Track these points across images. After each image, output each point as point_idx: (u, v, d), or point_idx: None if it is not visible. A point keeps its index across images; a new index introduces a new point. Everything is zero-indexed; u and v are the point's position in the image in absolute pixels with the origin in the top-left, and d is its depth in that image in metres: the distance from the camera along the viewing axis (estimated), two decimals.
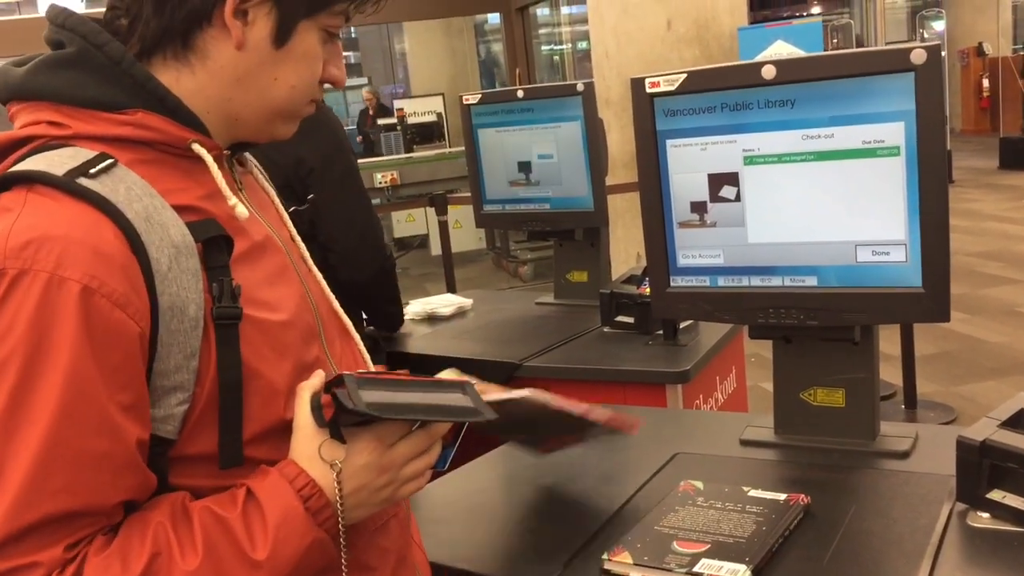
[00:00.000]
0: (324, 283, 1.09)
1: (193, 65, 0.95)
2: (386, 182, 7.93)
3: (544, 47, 12.99)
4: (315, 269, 1.09)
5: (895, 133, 1.41)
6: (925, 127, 1.39)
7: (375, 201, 5.88)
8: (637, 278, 2.46)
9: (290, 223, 1.09)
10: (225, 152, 1.01)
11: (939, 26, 13.58)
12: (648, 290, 2.31)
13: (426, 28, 12.74)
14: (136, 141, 0.92)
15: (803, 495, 1.37)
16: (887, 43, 11.62)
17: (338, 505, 0.91)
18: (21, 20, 11.99)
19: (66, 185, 0.85)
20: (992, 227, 8.01)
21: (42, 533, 0.80)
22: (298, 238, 1.09)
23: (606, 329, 2.47)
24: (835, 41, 11.26)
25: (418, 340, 2.63)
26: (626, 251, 5.51)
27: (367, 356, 1.12)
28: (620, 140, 5.31)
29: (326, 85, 1.03)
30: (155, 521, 0.86)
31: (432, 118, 10.78)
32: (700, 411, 2.27)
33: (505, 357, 2.33)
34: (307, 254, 1.10)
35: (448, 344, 2.58)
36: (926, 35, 13.46)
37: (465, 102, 2.81)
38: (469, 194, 2.96)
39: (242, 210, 0.96)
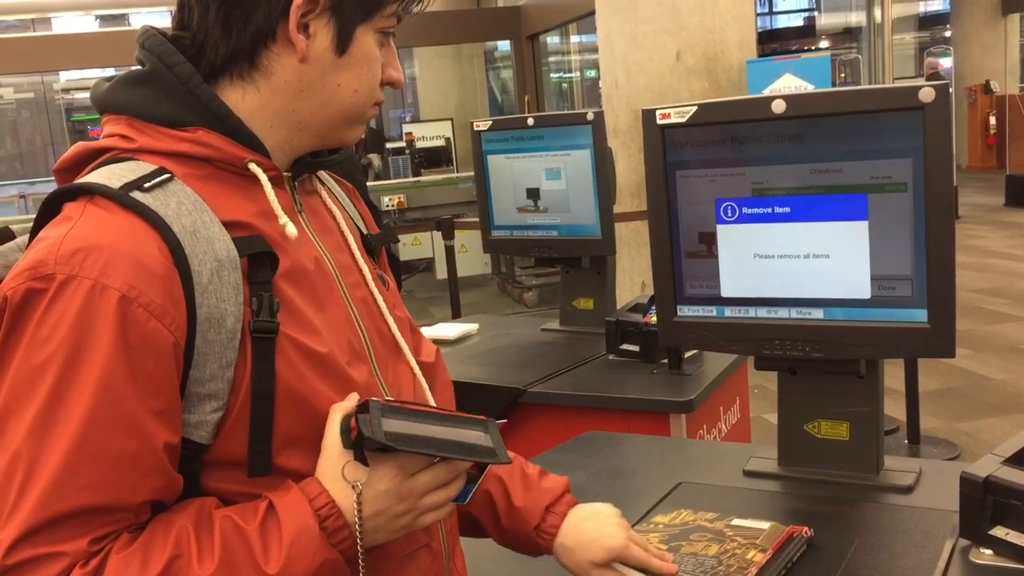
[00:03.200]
0: (385, 309, 1.10)
1: (258, 82, 0.99)
2: (393, 205, 7.97)
3: (553, 75, 13.08)
4: (377, 295, 1.10)
5: (903, 169, 1.43)
6: (933, 164, 1.40)
7: None
8: (643, 306, 2.47)
9: (355, 247, 1.10)
10: (286, 174, 1.04)
11: (947, 63, 13.65)
12: (654, 319, 2.32)
13: (436, 54, 12.83)
14: (194, 157, 0.96)
15: (806, 527, 1.37)
16: (895, 79, 11.67)
17: (356, 528, 0.92)
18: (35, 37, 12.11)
19: (120, 198, 0.90)
20: (997, 264, 8.01)
21: (69, 525, 0.84)
22: (363, 263, 1.10)
23: (611, 357, 2.48)
24: (843, 76, 11.32)
25: None
26: (630, 279, 5.52)
27: (423, 381, 1.13)
28: (627, 169, 5.34)
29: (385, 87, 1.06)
30: (179, 524, 0.88)
31: (440, 143, 10.84)
32: (704, 441, 2.28)
33: (510, 382, 2.34)
34: (370, 279, 1.10)
35: (454, 368, 2.56)
36: (933, 71, 13.53)
37: (476, 128, 2.84)
38: (475, 219, 2.98)
39: (291, 230, 0.97)
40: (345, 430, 0.93)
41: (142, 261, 0.87)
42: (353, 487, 0.93)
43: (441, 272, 7.26)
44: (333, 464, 0.94)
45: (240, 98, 0.99)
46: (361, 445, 0.92)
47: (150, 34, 1.00)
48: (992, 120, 13.96)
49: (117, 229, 0.88)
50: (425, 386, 1.13)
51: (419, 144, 10.73)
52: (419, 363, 1.15)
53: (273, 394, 0.92)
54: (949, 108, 1.40)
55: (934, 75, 11.54)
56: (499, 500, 1.23)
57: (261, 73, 0.98)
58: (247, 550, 0.88)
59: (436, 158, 10.67)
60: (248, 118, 0.99)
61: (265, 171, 0.98)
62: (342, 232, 1.11)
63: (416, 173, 10.32)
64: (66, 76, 16.89)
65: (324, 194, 1.13)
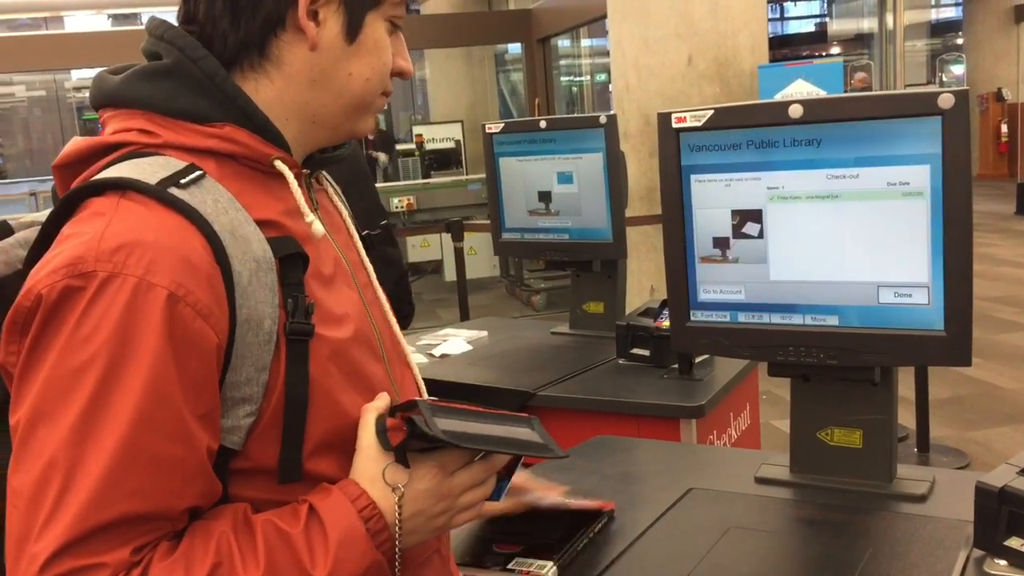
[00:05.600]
0: (388, 309, 1.09)
1: (270, 73, 0.97)
2: (403, 207, 7.97)
3: (564, 78, 13.07)
4: (381, 294, 1.09)
5: (920, 176, 1.42)
6: (951, 171, 1.39)
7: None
8: (654, 311, 2.46)
9: (360, 246, 1.10)
10: (304, 171, 1.03)
11: (958, 70, 13.61)
12: (665, 323, 2.31)
13: (447, 56, 12.85)
14: (222, 154, 0.94)
15: (610, 502, 1.52)
16: (907, 86, 11.64)
17: (396, 529, 0.92)
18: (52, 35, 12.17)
19: (158, 194, 0.87)
20: (1008, 272, 7.97)
21: (111, 535, 0.81)
22: (367, 262, 1.09)
23: (621, 361, 2.47)
24: (854, 82, 11.28)
25: (432, 367, 2.63)
26: (640, 284, 5.51)
27: (422, 385, 1.13)
28: (637, 173, 5.33)
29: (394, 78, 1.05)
30: (218, 531, 0.86)
31: (450, 145, 10.84)
32: (714, 447, 2.27)
33: (519, 385, 2.33)
34: (375, 279, 1.09)
35: (463, 371, 2.58)
36: (945, 79, 13.48)
37: (488, 130, 2.83)
38: (485, 221, 2.97)
39: (318, 228, 0.97)
40: (382, 431, 0.93)
41: (188, 258, 0.84)
42: (394, 489, 0.92)
43: (450, 274, 7.26)
44: (371, 465, 0.93)
45: (255, 91, 0.97)
46: (404, 447, 0.92)
47: (168, 26, 0.97)
48: (1004, 128, 13.91)
49: (159, 225, 0.85)
50: (424, 390, 1.13)
51: (429, 146, 10.75)
52: None
53: (307, 398, 0.91)
54: (968, 115, 1.39)
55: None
56: None
57: (272, 63, 0.96)
58: (292, 554, 0.86)
59: (446, 160, 10.68)
60: (265, 111, 0.97)
61: (290, 169, 0.97)
62: (348, 230, 1.10)
63: (426, 175, 10.34)
64: (77, 75, 16.96)
65: (330, 192, 1.12)
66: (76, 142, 0.95)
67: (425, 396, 1.13)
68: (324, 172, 1.12)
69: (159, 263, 0.83)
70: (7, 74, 14.87)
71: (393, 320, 1.10)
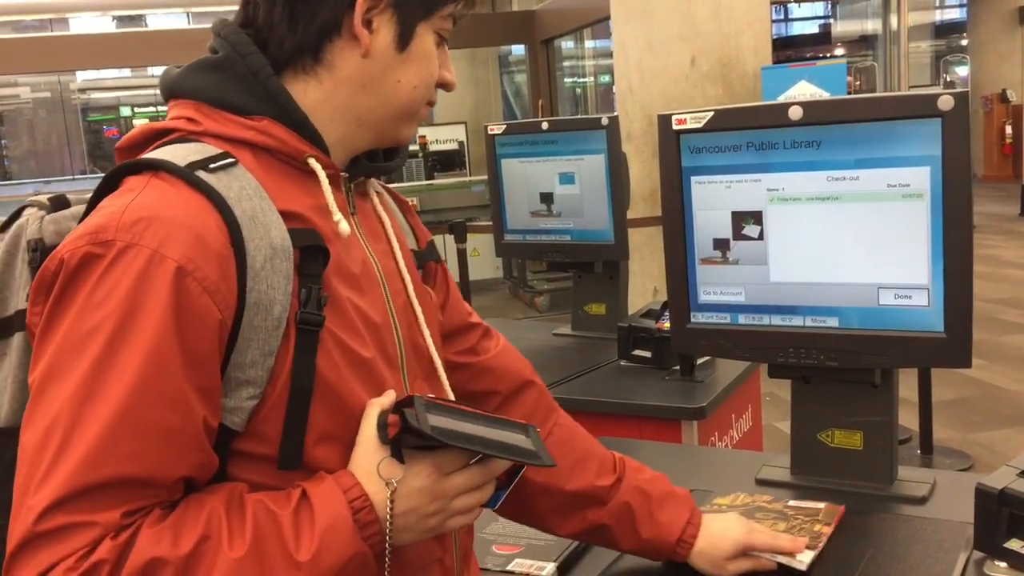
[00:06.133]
0: (423, 320, 1.10)
1: (320, 76, 1.01)
2: None
3: (567, 79, 13.07)
4: (417, 307, 1.10)
5: (920, 178, 1.42)
6: (951, 173, 1.39)
7: None
8: (655, 312, 2.46)
9: (400, 257, 1.11)
10: (343, 174, 1.05)
11: (963, 71, 13.59)
12: (666, 325, 2.31)
13: (451, 57, 12.83)
14: (257, 146, 0.98)
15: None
16: (911, 87, 11.62)
17: (387, 524, 0.93)
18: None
19: (185, 174, 0.91)
20: (1012, 274, 7.96)
21: (103, 495, 0.83)
22: (406, 274, 1.10)
23: (623, 362, 2.47)
24: (858, 83, 11.28)
25: None
26: (642, 285, 5.50)
27: (452, 396, 1.13)
28: (640, 175, 5.32)
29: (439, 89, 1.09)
30: (211, 505, 0.88)
31: (454, 146, 10.85)
32: (715, 448, 2.27)
33: None
34: (411, 291, 1.10)
35: None
36: (949, 80, 13.48)
37: (490, 132, 2.84)
38: (488, 222, 2.98)
39: (344, 227, 0.99)
40: (382, 425, 0.94)
41: (202, 236, 0.88)
42: (387, 484, 0.93)
43: (453, 275, 7.26)
44: (368, 459, 0.94)
45: (303, 92, 1.01)
46: (399, 442, 0.92)
47: (226, 24, 1.02)
48: (1008, 129, 13.89)
49: (180, 203, 0.89)
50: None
51: (432, 147, 10.75)
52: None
53: (311, 387, 0.93)
54: (968, 116, 1.39)
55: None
56: (639, 512, 1.27)
57: (324, 67, 1.00)
58: (278, 535, 0.88)
59: (449, 161, 10.69)
60: (310, 112, 1.00)
61: (324, 168, 1.00)
62: (389, 239, 1.11)
63: (429, 176, 10.34)
64: (82, 76, 16.99)
65: (376, 201, 1.13)
66: (138, 128, 1.02)
67: None
68: (380, 184, 1.15)
69: (173, 237, 0.86)
70: (12, 75, 14.90)
71: (428, 335, 1.11)
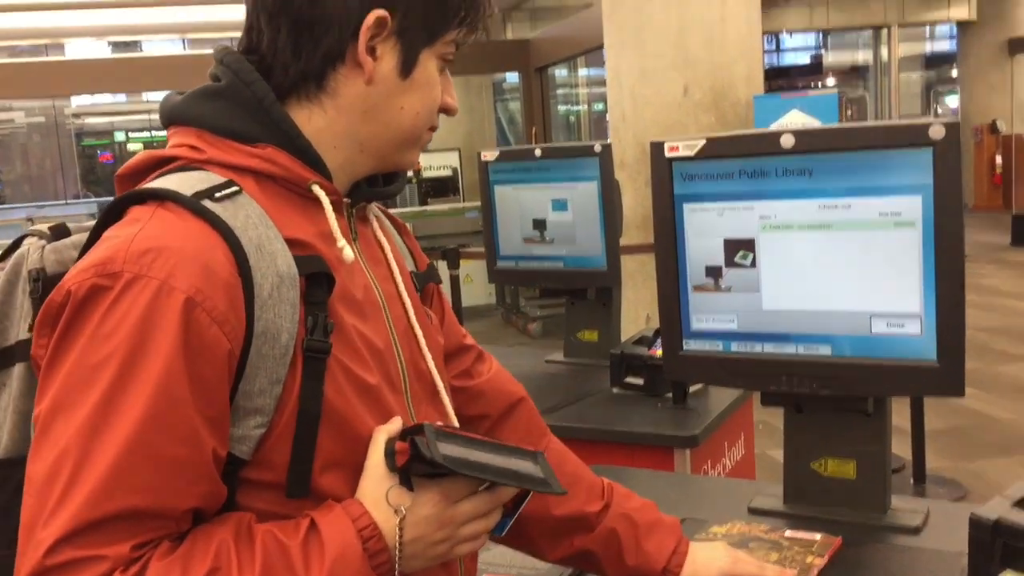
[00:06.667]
0: (424, 344, 1.10)
1: (324, 103, 1.01)
2: None
3: (561, 107, 13.15)
4: (418, 331, 1.10)
5: (912, 206, 1.42)
6: (942, 202, 1.40)
7: None
8: (648, 339, 2.46)
9: (400, 281, 1.11)
10: (345, 200, 1.05)
11: (953, 102, 13.70)
12: (659, 352, 2.30)
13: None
14: (261, 173, 0.98)
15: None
16: (901, 117, 11.72)
17: (396, 552, 0.92)
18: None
19: (191, 204, 0.91)
20: (1004, 303, 7.99)
21: (113, 528, 0.82)
22: (407, 297, 1.10)
23: (615, 390, 2.46)
24: (849, 113, 11.37)
25: None
26: (635, 312, 5.50)
27: (454, 420, 1.13)
28: (633, 202, 5.33)
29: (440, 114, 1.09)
30: (219, 536, 0.87)
31: (447, 173, 10.88)
32: (708, 477, 2.25)
33: None
34: (412, 315, 1.10)
35: None
36: (940, 110, 13.58)
37: (483, 158, 2.84)
38: (481, 249, 2.98)
39: (348, 253, 0.99)
40: (390, 453, 0.93)
41: (210, 267, 0.88)
42: (396, 511, 0.92)
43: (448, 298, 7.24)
44: (376, 487, 0.94)
45: (307, 119, 1.01)
46: (408, 469, 0.92)
47: (229, 51, 1.02)
48: (999, 159, 13.99)
49: (187, 234, 0.89)
50: (457, 425, 1.12)
51: (426, 173, 10.78)
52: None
53: (319, 414, 0.93)
54: (959, 146, 1.39)
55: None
56: (626, 539, 1.26)
57: (327, 94, 1.00)
58: (288, 566, 0.87)
59: (443, 188, 10.71)
60: (313, 138, 1.00)
61: (327, 194, 1.00)
62: (389, 263, 1.11)
63: (423, 202, 10.36)
64: (77, 101, 17.03)
65: (376, 225, 1.13)
66: (139, 155, 1.01)
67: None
68: (378, 207, 1.15)
69: (181, 268, 0.86)
70: (7, 100, 14.93)
71: (431, 359, 1.11)
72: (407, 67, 1.02)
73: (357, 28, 0.98)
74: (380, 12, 0.98)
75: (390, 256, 1.12)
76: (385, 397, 1.00)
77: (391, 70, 1.01)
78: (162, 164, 0.99)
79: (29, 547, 0.82)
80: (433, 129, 1.09)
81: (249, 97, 0.98)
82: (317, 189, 0.99)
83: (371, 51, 0.99)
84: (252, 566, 0.86)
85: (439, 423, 0.98)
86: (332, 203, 1.00)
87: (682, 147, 1.58)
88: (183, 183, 0.93)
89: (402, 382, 1.06)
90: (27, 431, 0.89)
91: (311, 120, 1.01)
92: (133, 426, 0.83)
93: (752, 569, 1.28)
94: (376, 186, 1.11)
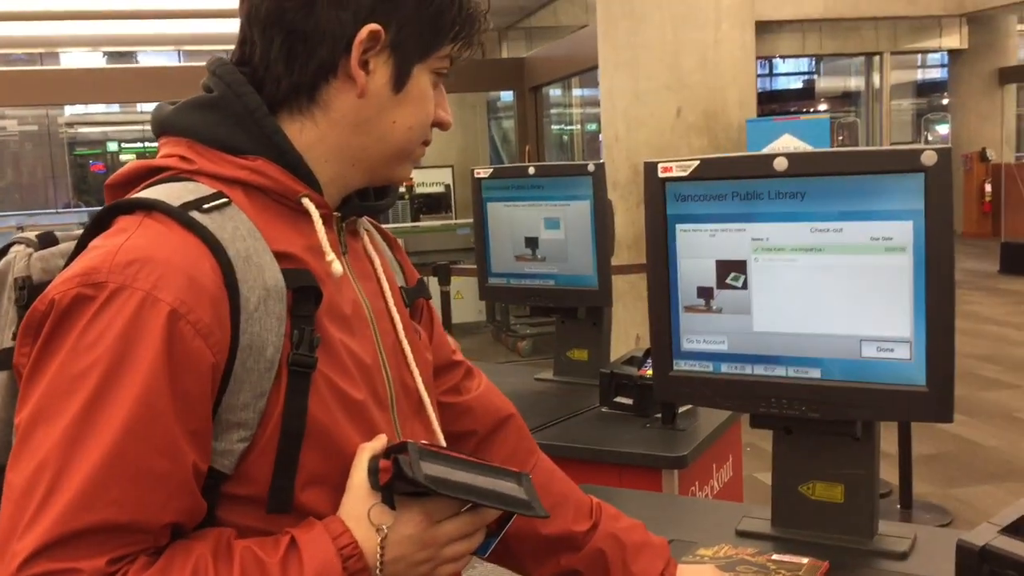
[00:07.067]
0: (412, 360, 1.09)
1: (316, 116, 1.01)
2: None
3: (554, 126, 13.20)
4: (406, 346, 1.09)
5: (903, 232, 1.43)
6: (933, 227, 1.40)
7: None
8: (638, 359, 2.46)
9: (390, 296, 1.10)
10: (335, 214, 1.04)
11: (943, 130, 13.79)
12: (649, 372, 2.30)
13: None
14: (251, 185, 0.97)
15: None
16: (892, 144, 11.79)
17: (376, 572, 0.91)
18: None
19: (179, 215, 0.91)
20: (992, 330, 8.02)
21: (89, 541, 0.81)
22: (396, 313, 1.09)
23: (604, 409, 2.46)
24: (841, 138, 11.41)
25: None
26: (626, 332, 5.51)
27: (441, 437, 1.12)
28: (625, 222, 5.36)
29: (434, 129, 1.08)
30: (198, 552, 0.86)
31: (440, 189, 10.89)
32: (696, 498, 2.25)
33: None
34: (401, 330, 1.09)
35: None
36: (930, 138, 13.68)
37: (476, 175, 2.85)
38: (472, 265, 2.98)
39: (337, 267, 0.98)
40: (373, 471, 0.92)
41: (195, 278, 0.87)
42: (378, 530, 0.91)
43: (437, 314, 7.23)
44: (358, 505, 0.93)
45: (298, 132, 1.00)
46: (391, 488, 0.91)
47: (222, 62, 1.01)
48: (988, 187, 14.09)
49: (174, 245, 0.89)
50: (442, 441, 1.12)
51: (419, 189, 10.79)
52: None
53: (302, 430, 0.92)
54: (951, 172, 1.40)
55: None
56: (613, 560, 1.24)
57: (320, 108, 1.00)
58: None
59: (435, 204, 10.72)
60: (305, 151, 1.00)
61: (317, 208, 0.99)
62: (379, 279, 1.11)
63: (415, 218, 10.36)
64: (70, 110, 17.02)
65: (366, 240, 1.13)
66: (129, 165, 1.01)
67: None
68: (368, 221, 1.15)
69: (167, 280, 0.86)
70: (0, 108, 14.91)
71: (418, 375, 1.10)
72: (400, 81, 1.01)
73: (350, 42, 0.97)
74: (374, 26, 0.97)
75: (380, 271, 1.11)
76: (371, 413, 1.00)
77: (384, 84, 1.00)
78: (152, 174, 0.98)
79: (4, 558, 0.81)
80: (426, 143, 1.08)
81: (240, 109, 0.97)
82: (307, 202, 0.99)
83: (364, 65, 0.99)
84: None
85: (424, 442, 0.97)
86: (322, 217, 1.00)
87: (676, 168, 1.58)
88: (171, 193, 0.93)
89: (389, 398, 1.05)
90: (9, 438, 0.88)
91: (302, 133, 1.00)
92: (113, 438, 0.82)
93: None
94: (367, 200, 1.10)
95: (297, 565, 0.88)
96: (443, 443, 1.12)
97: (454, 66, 1.08)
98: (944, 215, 1.40)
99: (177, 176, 0.96)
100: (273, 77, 0.99)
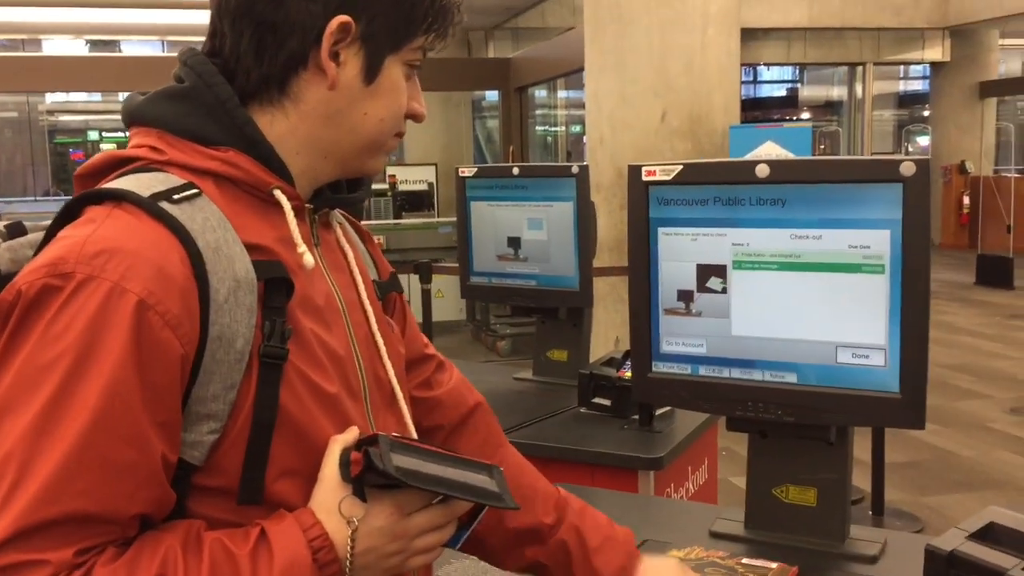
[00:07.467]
0: (384, 352, 1.10)
1: (286, 108, 1.00)
2: None
3: (539, 127, 13.22)
4: (379, 338, 1.10)
5: (881, 240, 1.45)
6: (910, 236, 1.42)
7: None
8: (617, 361, 2.47)
9: (363, 288, 1.10)
10: (307, 206, 1.04)
11: (924, 141, 13.91)
12: (627, 374, 2.32)
13: (425, 99, 12.92)
14: (223, 176, 0.96)
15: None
16: (873, 154, 11.89)
17: (347, 563, 0.91)
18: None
19: (148, 205, 0.90)
20: (966, 341, 8.11)
21: (56, 532, 0.81)
22: (368, 305, 1.10)
23: (582, 410, 2.47)
24: (823, 147, 11.51)
25: None
26: (605, 335, 5.53)
27: (412, 429, 1.13)
28: (607, 224, 5.37)
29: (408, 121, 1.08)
30: (167, 543, 0.86)
31: (423, 187, 10.88)
32: (671, 499, 2.27)
33: None
34: (375, 322, 1.10)
35: None
36: (911, 149, 13.79)
37: (461, 174, 2.86)
38: (453, 264, 2.98)
39: (309, 259, 0.98)
40: (344, 463, 0.93)
41: (164, 269, 0.87)
42: (348, 522, 0.91)
43: (416, 316, 7.24)
44: (329, 496, 0.93)
45: (269, 124, 1.00)
46: (361, 480, 0.91)
47: (193, 52, 1.01)
48: (966, 200, 14.23)
49: (142, 235, 0.88)
50: (414, 433, 1.12)
51: (402, 187, 10.77)
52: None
53: (273, 422, 0.92)
54: (928, 183, 1.42)
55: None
56: (576, 554, 1.25)
57: (290, 99, 1.00)
58: (235, 574, 0.86)
59: (418, 202, 10.71)
60: (276, 143, 1.00)
61: (289, 199, 0.99)
62: (351, 271, 1.11)
63: (397, 215, 10.35)
64: (51, 98, 16.87)
65: (339, 232, 1.13)
66: (99, 155, 1.00)
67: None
68: (340, 213, 1.14)
69: (135, 270, 0.85)
70: None
71: (390, 366, 1.10)
72: (371, 73, 1.01)
73: (320, 33, 0.97)
74: (344, 18, 0.97)
75: (352, 263, 1.11)
76: (344, 405, 1.00)
77: (355, 76, 1.00)
78: (122, 164, 0.98)
79: None
80: (400, 135, 1.08)
81: (212, 99, 0.97)
82: (278, 194, 0.98)
83: (335, 56, 0.99)
84: (199, 574, 0.85)
85: (395, 434, 0.97)
86: (294, 208, 1.00)
87: (659, 172, 1.60)
88: (141, 184, 0.92)
89: (362, 390, 1.05)
90: None
91: (273, 125, 1.00)
92: (80, 429, 0.82)
93: None
94: (340, 192, 1.10)
95: (267, 557, 0.88)
96: (415, 435, 1.12)
97: (431, 64, 1.08)
98: (921, 225, 1.42)
99: (147, 167, 0.96)
100: (243, 69, 0.99)
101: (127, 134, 1.02)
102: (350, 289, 1.09)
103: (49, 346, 0.83)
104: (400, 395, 1.12)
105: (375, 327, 1.10)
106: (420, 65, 1.06)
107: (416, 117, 1.08)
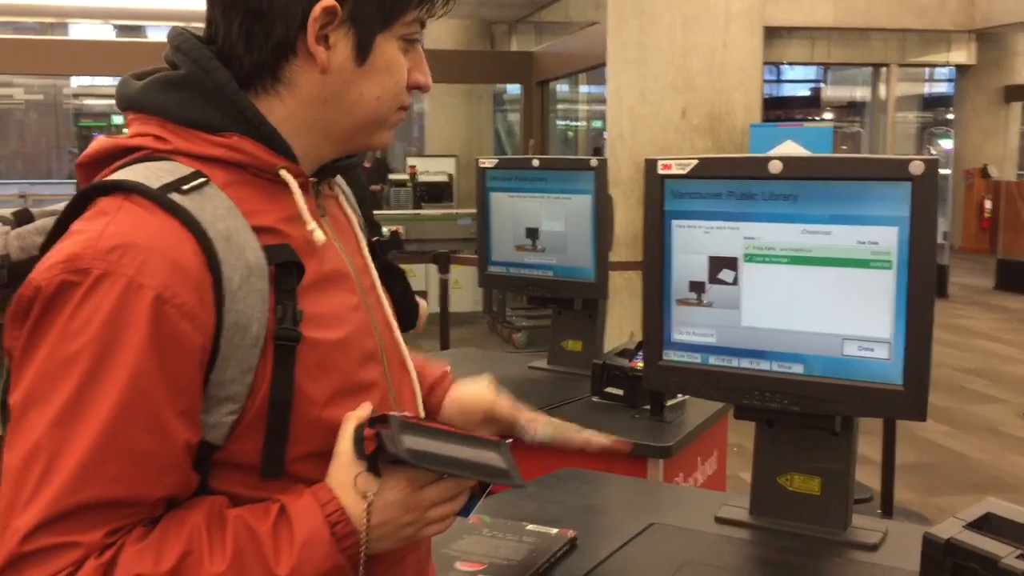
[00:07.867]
0: (390, 313, 1.13)
1: (282, 95, 1.01)
2: (388, 235, 8.01)
3: (560, 122, 13.22)
4: (384, 298, 1.13)
5: (889, 237, 1.49)
6: (918, 234, 1.46)
7: None
8: (630, 352, 2.51)
9: (366, 251, 1.14)
10: (312, 180, 1.06)
11: (947, 144, 13.81)
12: (640, 364, 2.36)
13: (446, 91, 12.97)
14: (228, 162, 0.98)
15: (571, 530, 1.57)
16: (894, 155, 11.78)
17: (363, 535, 0.95)
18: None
19: (159, 198, 0.91)
20: (982, 345, 8.08)
21: (87, 516, 0.85)
22: (372, 266, 1.13)
23: (595, 399, 2.51)
24: (844, 148, 11.45)
25: None
26: (620, 328, 5.56)
27: (419, 390, 1.16)
28: (625, 219, 5.41)
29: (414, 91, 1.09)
30: (192, 521, 0.90)
31: (443, 178, 10.93)
32: (678, 486, 2.31)
33: None
34: (378, 283, 1.13)
35: None
36: (933, 152, 13.70)
37: (481, 165, 2.90)
38: (471, 255, 3.02)
39: (319, 236, 1.00)
40: (358, 440, 0.96)
41: (178, 262, 0.88)
42: (364, 497, 0.95)
43: (433, 305, 7.30)
44: (344, 472, 0.96)
45: (267, 110, 1.00)
46: (376, 458, 0.95)
47: (185, 36, 1.01)
48: (988, 204, 14.14)
49: (155, 229, 0.90)
50: (419, 393, 1.17)
51: (422, 178, 10.83)
52: None
53: (290, 401, 0.94)
54: (936, 182, 1.46)
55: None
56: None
57: (285, 86, 1.00)
58: (258, 550, 0.90)
59: (438, 193, 10.76)
60: (277, 127, 1.00)
61: (295, 177, 1.01)
62: (356, 235, 1.14)
63: (416, 206, 10.40)
64: (77, 82, 17.01)
65: (341, 198, 1.16)
66: (99, 142, 1.00)
67: (419, 400, 1.17)
68: (338, 178, 1.16)
69: (150, 265, 0.87)
70: (7, 75, 14.91)
71: (395, 325, 1.14)
72: (363, 54, 1.01)
73: (305, 19, 0.97)
74: (327, 2, 0.97)
75: (356, 227, 1.14)
76: (365, 374, 1.03)
77: (346, 58, 1.00)
78: (124, 153, 0.98)
79: (5, 534, 0.84)
80: (404, 108, 1.07)
81: (211, 86, 0.97)
82: (285, 173, 1.00)
83: (323, 40, 0.98)
84: (223, 550, 0.88)
85: (406, 413, 1.00)
86: (300, 185, 1.01)
87: (675, 166, 1.64)
88: (150, 174, 0.93)
89: (380, 351, 1.08)
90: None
91: (271, 112, 1.00)
92: (105, 419, 0.85)
93: (505, 410, 1.41)
94: (338, 159, 1.10)
95: (288, 532, 0.91)
96: (419, 392, 1.16)
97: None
98: (928, 223, 1.46)
99: (153, 156, 0.96)
100: (236, 57, 0.99)
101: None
102: (356, 254, 1.11)
103: (70, 341, 0.85)
104: (407, 356, 1.15)
105: (380, 289, 1.13)
106: (419, 37, 1.05)
107: (421, 88, 1.08)
